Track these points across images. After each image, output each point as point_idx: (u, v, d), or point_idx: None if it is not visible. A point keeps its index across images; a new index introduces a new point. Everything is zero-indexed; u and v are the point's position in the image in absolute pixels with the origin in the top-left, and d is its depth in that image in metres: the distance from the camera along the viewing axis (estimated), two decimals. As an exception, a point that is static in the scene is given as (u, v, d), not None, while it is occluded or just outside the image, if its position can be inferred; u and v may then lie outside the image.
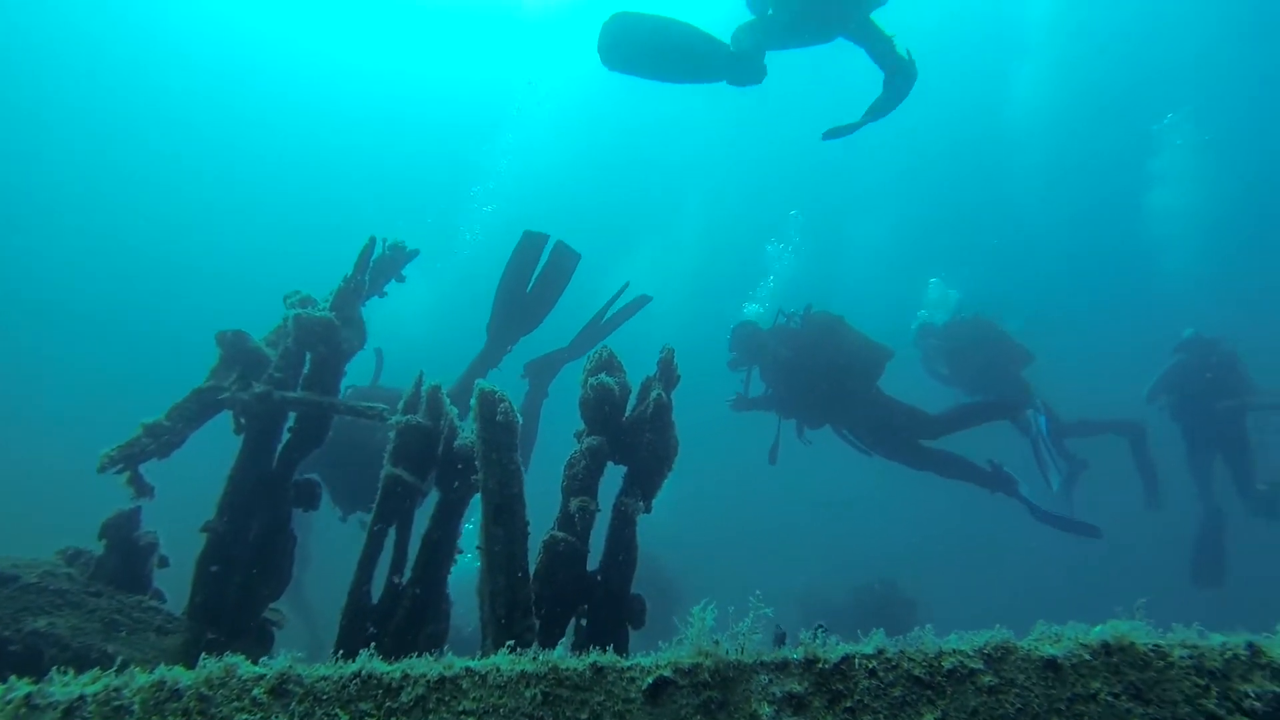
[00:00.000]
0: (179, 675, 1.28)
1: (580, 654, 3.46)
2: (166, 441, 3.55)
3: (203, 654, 3.42)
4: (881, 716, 1.22)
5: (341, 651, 3.61)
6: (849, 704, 1.24)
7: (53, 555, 3.71)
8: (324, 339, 3.77)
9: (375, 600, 3.67)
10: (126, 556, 3.78)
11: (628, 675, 1.29)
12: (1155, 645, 1.31)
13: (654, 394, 3.69)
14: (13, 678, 1.28)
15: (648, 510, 3.58)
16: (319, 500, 4.01)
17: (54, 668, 2.99)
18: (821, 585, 13.98)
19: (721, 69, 6.54)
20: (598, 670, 1.29)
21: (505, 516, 3.23)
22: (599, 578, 3.48)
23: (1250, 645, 1.31)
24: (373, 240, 4.04)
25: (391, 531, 3.69)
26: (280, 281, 4.33)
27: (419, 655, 3.76)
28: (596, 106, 29.56)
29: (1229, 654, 1.30)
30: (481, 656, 3.21)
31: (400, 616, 3.61)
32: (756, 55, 6.44)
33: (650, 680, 1.27)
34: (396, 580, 3.66)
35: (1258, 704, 1.23)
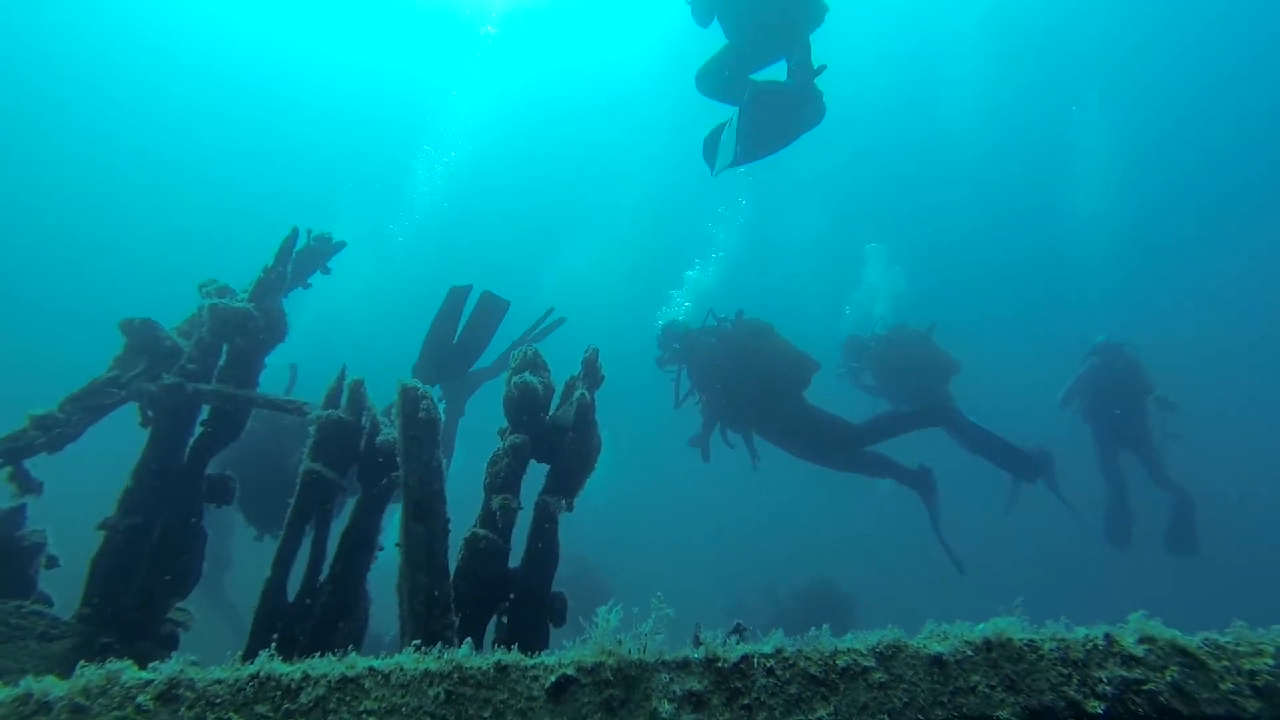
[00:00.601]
0: (49, 686, 1.22)
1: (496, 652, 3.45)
2: (59, 434, 3.37)
3: (81, 660, 3.27)
4: (778, 713, 1.28)
5: (254, 648, 3.51)
6: (746, 701, 1.29)
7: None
8: (241, 330, 3.65)
9: (292, 598, 3.59)
10: (6, 558, 3.56)
11: (531, 674, 1.31)
12: (1029, 640, 1.41)
13: (577, 394, 3.71)
14: None
15: (570, 509, 3.60)
16: (233, 495, 3.89)
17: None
18: (763, 585, 14.18)
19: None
20: (501, 669, 1.31)
21: (425, 513, 3.21)
22: (520, 575, 3.48)
23: (1106, 635, 1.43)
24: (295, 231, 3.93)
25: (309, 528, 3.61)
26: (206, 267, 4.17)
27: (331, 653, 3.68)
28: (539, 92, 29.18)
29: (1089, 645, 1.41)
30: (401, 651, 3.17)
31: (317, 615, 3.54)
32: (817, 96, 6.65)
33: (553, 679, 1.29)
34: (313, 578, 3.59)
35: (1109, 688, 1.34)
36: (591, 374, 3.81)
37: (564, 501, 3.55)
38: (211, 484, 3.82)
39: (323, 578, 3.63)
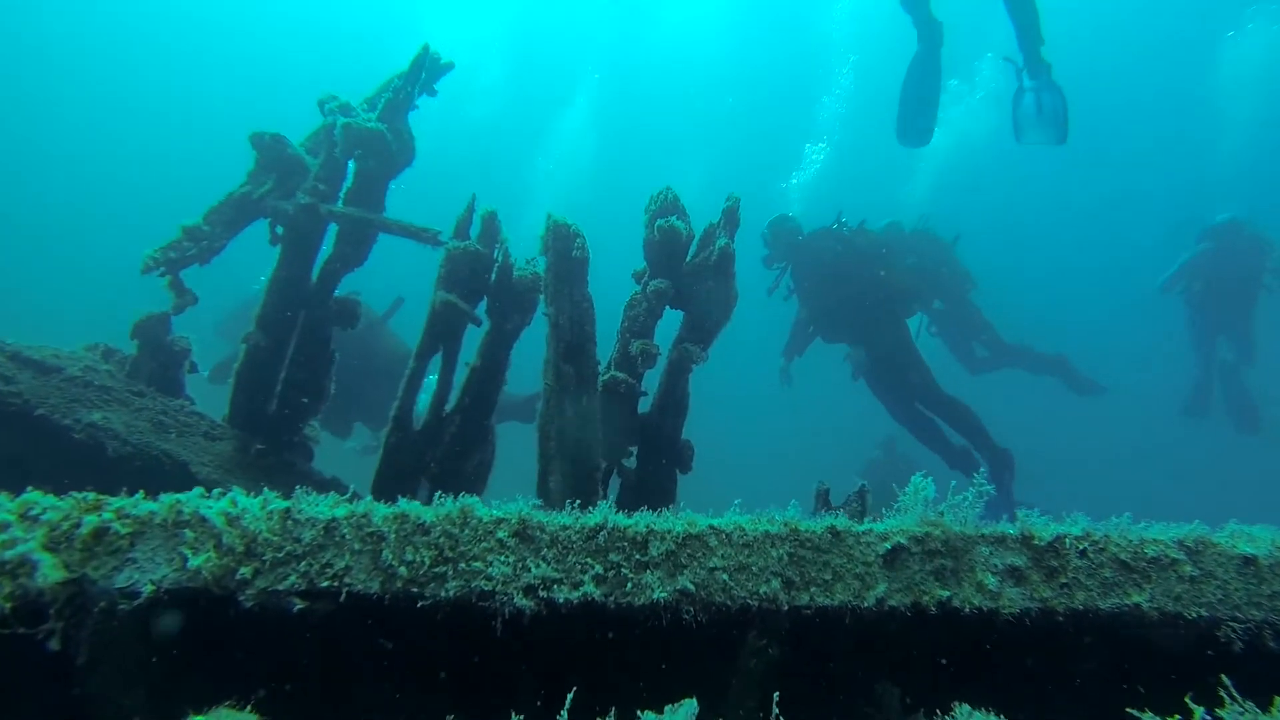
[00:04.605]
0: (420, 510, 1.24)
1: (640, 494, 3.52)
2: (206, 247, 3.34)
3: (254, 463, 3.39)
4: (1094, 594, 1.26)
5: (384, 472, 3.65)
6: (1064, 580, 1.28)
7: (80, 349, 3.58)
8: (375, 152, 3.50)
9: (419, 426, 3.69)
10: (160, 359, 3.67)
11: (864, 540, 1.30)
12: (1343, 550, 1.36)
13: (720, 242, 3.57)
14: (266, 490, 1.22)
15: (704, 359, 3.56)
16: (358, 319, 3.90)
17: (118, 460, 2.95)
18: (834, 465, 14.35)
19: None
20: (836, 534, 1.29)
21: (576, 355, 3.19)
22: (652, 421, 3.51)
23: None
24: (426, 49, 3.67)
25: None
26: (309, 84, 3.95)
27: (466, 483, 3.78)
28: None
29: (1406, 560, 1.36)
30: (540, 490, 3.26)
31: (448, 443, 3.63)
32: None
33: (887, 546, 1.28)
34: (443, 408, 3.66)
35: None
36: (731, 222, 3.65)
37: (700, 351, 3.50)
38: (339, 306, 3.83)
39: (449, 408, 3.71)
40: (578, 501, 1.40)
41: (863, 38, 21.65)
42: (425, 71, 3.89)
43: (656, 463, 3.52)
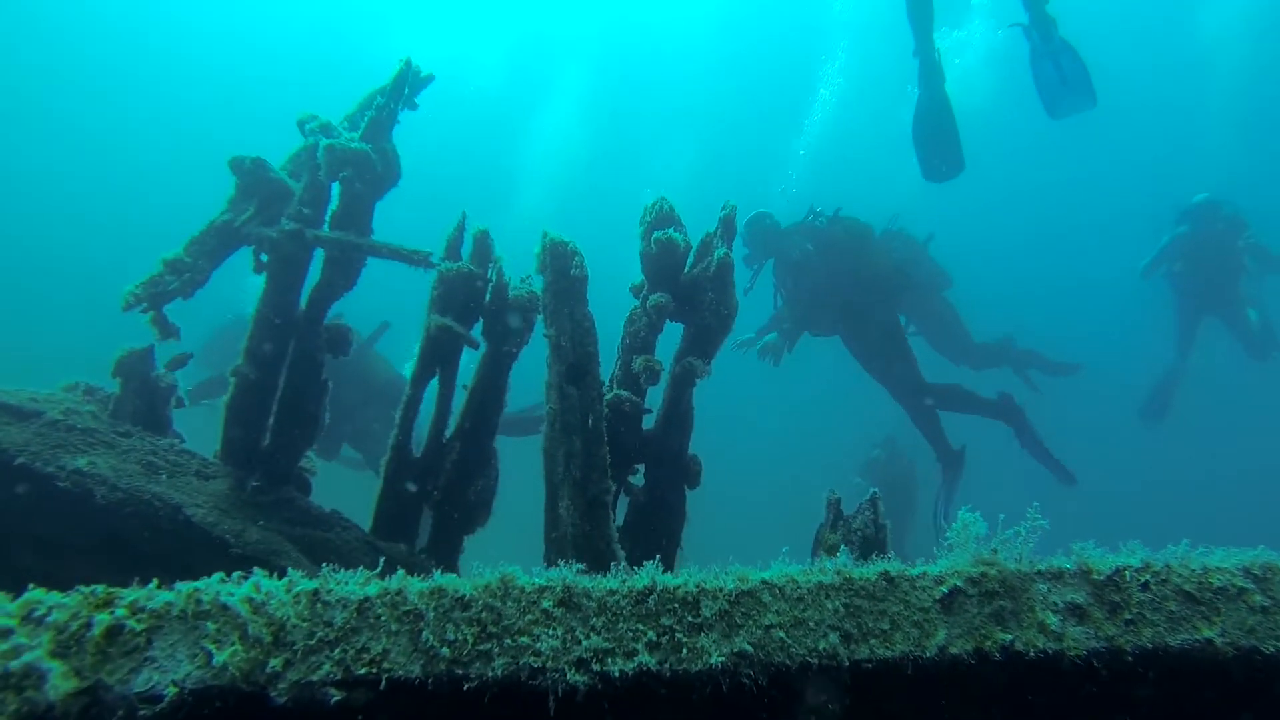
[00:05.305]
0: (457, 583, 1.16)
1: (650, 512, 3.45)
2: (189, 279, 3.23)
3: (251, 500, 3.28)
4: (1161, 630, 1.21)
5: (385, 503, 3.56)
6: (1128, 616, 1.22)
7: (59, 390, 3.45)
8: (360, 174, 3.41)
9: (419, 453, 3.60)
10: (146, 397, 3.55)
11: (919, 585, 1.23)
12: None
13: (719, 252, 3.51)
14: (291, 571, 1.13)
15: (708, 372, 3.50)
16: (349, 346, 3.80)
17: (107, 505, 2.83)
18: (832, 466, 14.25)
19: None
20: (889, 579, 1.23)
21: (580, 376, 3.11)
22: (657, 438, 3.45)
23: None
24: (408, 64, 3.57)
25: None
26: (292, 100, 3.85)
27: (470, 510, 3.69)
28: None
29: None
30: (549, 516, 3.17)
31: (449, 470, 3.55)
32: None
33: (944, 590, 1.22)
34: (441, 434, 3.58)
35: None
36: (729, 232, 3.60)
37: (704, 364, 3.44)
38: (330, 334, 3.72)
39: (449, 434, 3.62)
40: (623, 565, 1.32)
41: (859, 11, 21.67)
42: (408, 87, 3.80)
43: (664, 480, 3.46)
